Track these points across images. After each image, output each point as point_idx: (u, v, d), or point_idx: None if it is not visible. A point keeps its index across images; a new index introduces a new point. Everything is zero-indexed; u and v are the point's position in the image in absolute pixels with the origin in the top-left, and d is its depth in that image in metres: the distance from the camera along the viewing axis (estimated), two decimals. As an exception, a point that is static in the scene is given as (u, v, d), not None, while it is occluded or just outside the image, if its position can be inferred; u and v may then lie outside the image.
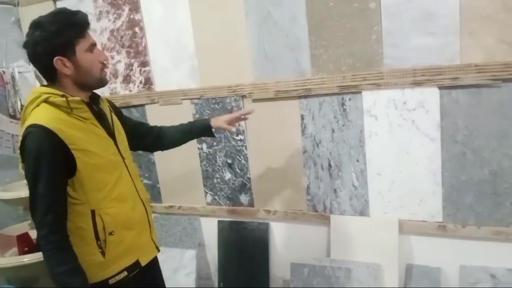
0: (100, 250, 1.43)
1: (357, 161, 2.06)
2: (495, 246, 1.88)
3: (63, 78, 1.40)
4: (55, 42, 1.34)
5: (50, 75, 1.41)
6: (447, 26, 1.77)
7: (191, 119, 2.39)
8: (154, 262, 1.70)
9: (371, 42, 1.91)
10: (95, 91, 1.53)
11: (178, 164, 2.51)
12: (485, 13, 1.70)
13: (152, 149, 1.89)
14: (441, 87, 1.83)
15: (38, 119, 1.31)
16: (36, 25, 1.36)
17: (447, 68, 1.79)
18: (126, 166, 1.55)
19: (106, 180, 1.44)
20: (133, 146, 1.72)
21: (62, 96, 1.36)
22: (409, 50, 1.85)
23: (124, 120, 1.69)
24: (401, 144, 1.95)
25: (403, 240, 2.03)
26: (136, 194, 1.58)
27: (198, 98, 2.36)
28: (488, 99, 1.76)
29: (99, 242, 1.42)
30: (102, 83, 1.49)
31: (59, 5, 2.63)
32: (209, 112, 2.35)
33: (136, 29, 2.44)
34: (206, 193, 2.51)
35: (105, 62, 1.48)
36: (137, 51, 2.46)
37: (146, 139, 1.79)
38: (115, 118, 1.60)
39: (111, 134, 1.52)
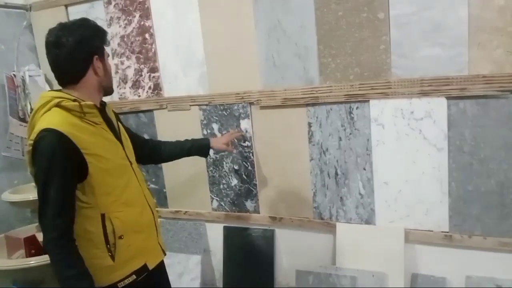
0: (110, 254, 1.44)
1: (364, 169, 2.07)
2: (501, 257, 1.87)
3: (90, 79, 1.45)
4: (95, 43, 1.45)
5: (77, 75, 1.44)
6: (455, 37, 1.78)
7: (199, 125, 2.41)
8: (161, 266, 1.72)
9: (379, 51, 1.93)
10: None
11: (184, 170, 2.52)
12: (494, 25, 1.71)
13: (144, 161, 1.89)
14: (448, 98, 1.83)
15: (51, 123, 1.32)
16: (70, 27, 1.42)
17: (455, 79, 1.80)
18: (134, 171, 1.58)
19: (116, 184, 1.47)
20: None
21: (74, 100, 1.39)
22: (417, 60, 1.86)
23: (125, 129, 1.72)
24: (408, 153, 1.96)
25: (408, 249, 2.03)
26: (144, 198, 1.60)
27: (207, 105, 2.38)
28: (496, 110, 1.77)
29: (108, 245, 1.43)
30: (113, 90, 1.59)
31: (71, 10, 2.66)
32: (216, 118, 2.36)
33: (146, 35, 2.46)
34: (212, 198, 2.52)
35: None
36: (146, 57, 2.49)
37: (142, 151, 1.79)
38: (120, 124, 1.64)
39: (119, 139, 1.55)
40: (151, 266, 1.59)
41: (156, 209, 1.72)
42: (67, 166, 1.33)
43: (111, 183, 1.45)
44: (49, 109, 1.37)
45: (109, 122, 1.55)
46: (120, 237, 1.45)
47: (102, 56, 1.48)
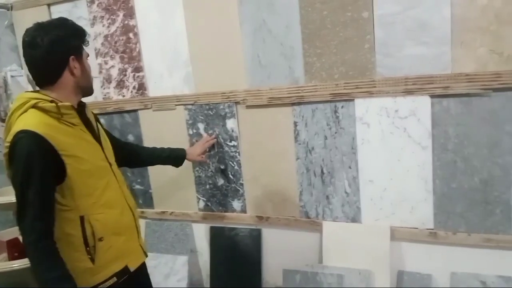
0: (89, 257, 1.43)
1: (350, 168, 2.08)
2: (486, 253, 1.90)
3: (66, 79, 1.43)
4: (72, 43, 1.43)
5: (54, 76, 1.42)
6: (439, 36, 1.80)
7: (184, 125, 2.39)
8: (142, 268, 1.71)
9: (364, 50, 1.94)
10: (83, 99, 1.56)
11: (170, 170, 2.48)
12: (477, 24, 1.73)
13: (120, 164, 1.79)
14: (432, 96, 1.85)
15: (28, 125, 1.31)
16: (46, 26, 1.40)
17: (439, 77, 1.82)
18: (113, 172, 1.57)
19: (95, 185, 1.46)
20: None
21: (51, 101, 1.36)
22: (402, 59, 1.88)
23: (104, 131, 1.72)
24: (393, 151, 1.97)
25: (394, 247, 2.04)
26: (124, 200, 1.59)
27: (192, 104, 2.37)
28: (479, 108, 1.79)
29: (88, 248, 1.43)
30: (91, 91, 1.57)
31: (54, 10, 2.62)
32: (202, 118, 2.35)
33: (131, 34, 2.44)
34: (199, 199, 2.50)
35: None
36: (131, 56, 2.47)
37: (120, 153, 1.75)
38: (99, 126, 1.64)
39: (98, 140, 1.53)
40: (132, 268, 1.58)
41: (138, 210, 1.72)
42: (44, 168, 1.31)
43: (90, 184, 1.44)
44: (26, 111, 1.35)
45: (88, 123, 1.53)
46: (100, 239, 1.44)
47: (79, 56, 1.46)
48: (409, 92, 1.88)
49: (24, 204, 1.30)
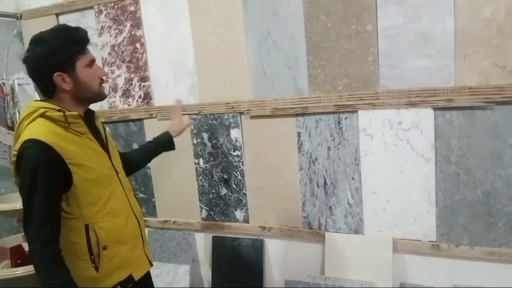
0: (94, 265, 1.43)
1: (353, 179, 2.08)
2: (488, 267, 1.89)
3: (61, 93, 1.42)
4: (56, 58, 1.37)
5: (48, 90, 1.43)
6: (442, 49, 1.81)
7: (189, 135, 2.41)
8: (147, 277, 1.70)
9: (368, 63, 1.95)
10: (91, 106, 1.56)
11: (174, 179, 2.52)
12: (480, 38, 1.75)
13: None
14: (435, 108, 1.86)
15: (35, 134, 1.32)
16: (37, 40, 1.39)
17: (442, 90, 1.83)
18: (120, 180, 1.57)
19: (100, 194, 1.45)
20: None
21: (59, 110, 1.38)
22: (405, 71, 1.89)
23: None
24: (396, 163, 1.98)
25: (397, 259, 2.04)
26: (130, 208, 1.59)
27: (197, 114, 2.39)
28: (482, 121, 1.80)
29: (92, 256, 1.43)
30: (101, 97, 1.53)
31: (62, 19, 2.67)
32: (206, 127, 2.37)
33: (137, 44, 2.47)
34: (202, 208, 2.51)
35: (104, 77, 1.52)
36: (137, 66, 2.50)
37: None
38: (108, 133, 1.63)
39: (105, 148, 1.54)
40: (136, 277, 1.58)
41: (144, 218, 1.70)
42: (51, 176, 1.32)
43: (96, 193, 1.44)
44: (34, 119, 1.37)
45: (97, 131, 1.54)
46: (104, 248, 1.44)
47: (70, 69, 1.41)
48: (412, 104, 1.89)
49: (30, 211, 1.31)
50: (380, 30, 1.91)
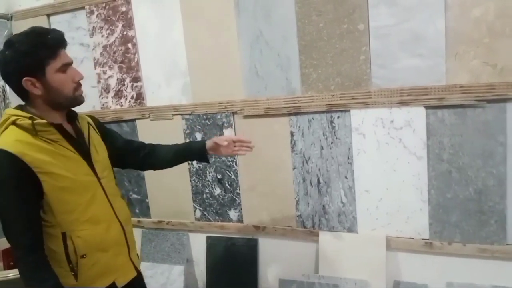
0: (73, 273, 1.40)
1: (346, 178, 2.09)
2: (481, 263, 1.91)
3: (34, 98, 1.38)
4: (24, 63, 1.32)
5: (22, 95, 1.40)
6: (433, 48, 1.83)
7: (182, 135, 2.41)
8: (133, 284, 1.63)
9: (360, 62, 1.96)
10: (75, 109, 1.50)
11: (167, 179, 2.51)
12: (471, 37, 1.76)
13: (143, 167, 1.86)
14: (427, 107, 1.88)
15: (3, 143, 1.30)
16: (9, 44, 1.35)
17: (433, 89, 1.84)
18: (102, 186, 1.51)
19: (77, 202, 1.41)
20: (123, 164, 1.73)
21: (30, 118, 1.34)
22: (397, 70, 1.90)
23: (111, 138, 1.68)
24: (388, 162, 1.99)
25: (390, 257, 2.05)
26: (113, 214, 1.54)
27: (189, 114, 2.38)
28: (473, 119, 1.81)
29: (71, 265, 1.40)
30: (76, 102, 1.45)
31: (53, 20, 2.65)
32: (200, 127, 2.37)
33: (129, 45, 2.47)
34: (195, 208, 2.51)
35: (79, 81, 1.44)
36: (129, 66, 2.49)
37: (136, 157, 1.76)
38: (94, 137, 1.57)
39: (86, 154, 1.48)
40: (120, 284, 1.54)
41: (138, 219, 1.67)
42: (20, 185, 1.30)
43: (71, 200, 1.40)
44: (7, 127, 1.35)
45: (77, 136, 1.49)
46: (82, 256, 1.41)
47: (39, 74, 1.35)
48: (404, 103, 1.90)
49: (7, 220, 1.32)
50: (371, 29, 1.92)
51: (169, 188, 2.55)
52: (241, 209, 2.39)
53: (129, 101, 2.54)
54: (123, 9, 2.44)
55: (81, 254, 1.40)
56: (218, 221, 2.46)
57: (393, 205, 2.02)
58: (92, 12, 2.53)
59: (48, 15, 2.66)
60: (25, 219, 1.31)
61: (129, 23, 2.44)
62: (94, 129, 1.61)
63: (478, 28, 1.75)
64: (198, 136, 2.38)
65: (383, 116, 1.96)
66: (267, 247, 2.39)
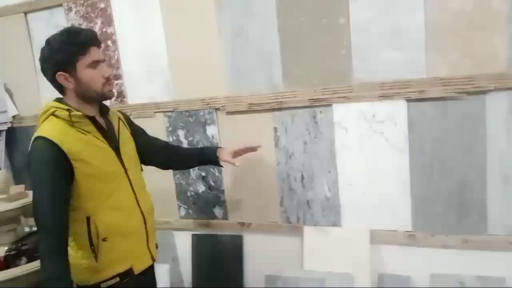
0: (94, 255, 1.52)
1: (329, 172, 2.09)
2: (463, 254, 1.93)
3: (68, 91, 1.52)
4: (57, 59, 1.47)
5: (58, 89, 1.54)
6: (414, 42, 1.84)
7: (164, 132, 2.39)
8: (148, 272, 1.74)
9: (341, 56, 1.96)
10: (106, 103, 1.65)
11: (151, 178, 2.46)
12: (450, 30, 1.78)
13: (164, 166, 1.97)
14: (408, 100, 1.89)
15: (44, 131, 1.44)
16: (46, 42, 1.50)
17: (414, 82, 1.85)
18: (128, 177, 1.62)
19: (102, 189, 1.53)
20: (146, 161, 1.84)
21: (68, 110, 1.48)
22: (378, 64, 1.91)
23: (139, 134, 1.81)
24: (371, 155, 2.00)
25: (374, 250, 2.06)
26: (135, 204, 1.64)
27: (171, 111, 2.36)
28: (454, 111, 1.83)
29: (92, 247, 1.51)
30: (104, 97, 1.57)
31: (30, 17, 2.60)
32: (182, 125, 2.35)
33: (109, 42, 2.43)
34: (180, 206, 2.49)
35: (109, 77, 1.56)
36: (109, 64, 2.45)
37: (160, 156, 1.89)
38: (123, 131, 1.70)
39: (115, 146, 1.60)
40: (137, 271, 1.64)
41: (153, 215, 1.77)
42: (55, 169, 1.41)
43: (98, 188, 1.51)
44: (47, 118, 1.49)
45: (109, 129, 1.60)
46: (103, 240, 1.52)
47: (71, 68, 1.48)
48: (385, 97, 1.91)
49: (37, 201, 1.42)
50: (352, 23, 1.92)
51: (153, 186, 2.50)
52: (226, 206, 2.38)
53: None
54: (102, 5, 2.40)
55: (102, 237, 1.52)
56: (203, 219, 2.45)
57: (376, 199, 2.03)
58: (70, 9, 2.49)
59: (25, 13, 2.60)
60: (54, 202, 1.41)
61: (108, 20, 2.41)
62: (124, 124, 1.74)
63: (457, 21, 1.76)
64: (181, 134, 2.36)
65: (365, 110, 1.97)
66: (252, 244, 2.38)
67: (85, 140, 1.49)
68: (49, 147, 1.41)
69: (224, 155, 1.86)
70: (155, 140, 1.91)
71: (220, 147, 1.95)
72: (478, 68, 1.76)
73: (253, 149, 1.96)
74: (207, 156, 1.93)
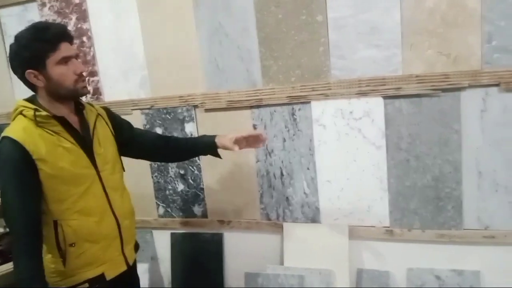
0: (62, 259, 1.48)
1: (308, 169, 2.10)
2: (439, 248, 1.96)
3: (39, 90, 1.47)
4: (25, 56, 1.41)
5: (29, 86, 1.49)
6: (390, 39, 1.85)
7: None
8: (124, 278, 1.67)
9: (319, 53, 1.97)
10: (83, 101, 1.60)
11: (128, 176, 2.43)
12: (425, 27, 1.80)
13: (155, 158, 2.05)
14: (385, 97, 1.90)
15: (10, 131, 1.41)
16: (14, 39, 1.45)
17: (390, 79, 1.87)
18: (101, 179, 1.56)
19: (70, 192, 1.47)
20: (135, 156, 1.84)
21: (34, 109, 1.43)
22: (355, 61, 1.92)
23: (122, 129, 1.74)
24: (348, 152, 2.01)
25: (353, 246, 2.08)
26: (108, 207, 1.58)
27: (149, 108, 2.33)
28: (429, 108, 1.86)
29: (60, 251, 1.48)
30: (77, 94, 1.52)
31: (3, 12, 2.54)
32: (160, 122, 2.32)
33: (84, 38, 2.39)
34: (158, 205, 2.47)
35: (81, 73, 1.50)
36: (85, 60, 2.40)
37: (149, 150, 1.85)
38: (100, 129, 1.62)
39: (88, 146, 1.54)
40: (109, 277, 1.58)
41: (130, 219, 1.72)
42: (20, 169, 1.38)
43: (64, 191, 1.46)
44: (16, 117, 1.47)
45: (82, 128, 1.55)
46: (70, 245, 1.48)
47: (40, 66, 1.42)
48: (362, 94, 1.93)
49: (5, 202, 1.39)
50: (330, 20, 1.93)
51: (131, 185, 2.47)
52: (205, 204, 2.36)
53: (86, 96, 2.46)
54: (77, 1, 2.35)
55: (69, 242, 1.47)
56: (182, 217, 2.43)
57: (354, 195, 2.04)
58: (44, 5, 2.43)
59: (-3, 8, 2.54)
60: (22, 202, 1.38)
61: (83, 16, 2.36)
62: (105, 121, 1.67)
63: (432, 19, 1.78)
64: (159, 131, 2.33)
65: (343, 107, 1.98)
66: (232, 241, 2.38)
67: (51, 140, 1.44)
68: (14, 147, 1.37)
69: (224, 140, 1.75)
70: (145, 133, 1.88)
71: (219, 135, 1.80)
72: (453, 66, 1.79)
73: (257, 141, 1.82)
74: (203, 145, 1.83)
